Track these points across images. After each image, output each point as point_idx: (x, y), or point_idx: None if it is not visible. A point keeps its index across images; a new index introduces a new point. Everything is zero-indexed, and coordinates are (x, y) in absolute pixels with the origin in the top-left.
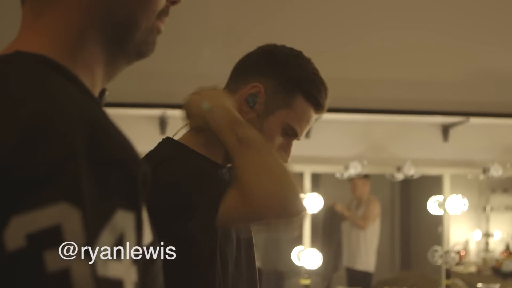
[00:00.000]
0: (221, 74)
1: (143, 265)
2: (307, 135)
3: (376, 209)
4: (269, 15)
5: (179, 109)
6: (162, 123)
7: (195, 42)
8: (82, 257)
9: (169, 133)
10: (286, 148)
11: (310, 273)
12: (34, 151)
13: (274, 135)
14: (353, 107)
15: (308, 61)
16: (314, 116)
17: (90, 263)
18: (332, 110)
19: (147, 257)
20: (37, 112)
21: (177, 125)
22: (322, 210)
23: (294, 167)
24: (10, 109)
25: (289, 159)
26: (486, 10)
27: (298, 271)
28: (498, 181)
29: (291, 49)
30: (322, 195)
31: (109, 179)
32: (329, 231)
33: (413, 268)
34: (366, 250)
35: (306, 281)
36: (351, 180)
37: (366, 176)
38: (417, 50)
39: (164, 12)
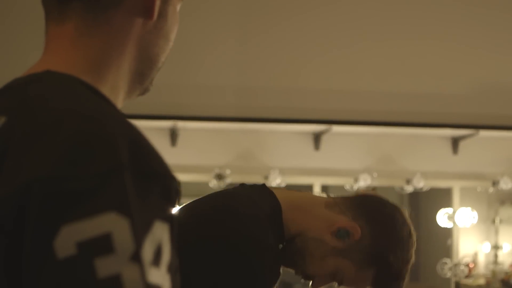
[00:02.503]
0: (231, 86)
1: (173, 273)
2: (317, 147)
3: None
4: (278, 31)
5: (190, 121)
6: (173, 134)
7: (205, 54)
8: (132, 263)
9: (180, 144)
10: (323, 282)
11: None
12: (83, 163)
13: (325, 270)
14: (363, 119)
15: (411, 253)
16: None
17: (139, 269)
18: (342, 122)
19: (175, 265)
20: (83, 127)
21: (187, 137)
22: None
23: (304, 179)
24: (56, 123)
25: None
26: (497, 23)
27: (306, 283)
28: (507, 193)
29: (410, 232)
30: None
31: (149, 191)
32: None
33: (421, 280)
34: None
35: None
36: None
37: (373, 189)
38: (427, 63)
39: None
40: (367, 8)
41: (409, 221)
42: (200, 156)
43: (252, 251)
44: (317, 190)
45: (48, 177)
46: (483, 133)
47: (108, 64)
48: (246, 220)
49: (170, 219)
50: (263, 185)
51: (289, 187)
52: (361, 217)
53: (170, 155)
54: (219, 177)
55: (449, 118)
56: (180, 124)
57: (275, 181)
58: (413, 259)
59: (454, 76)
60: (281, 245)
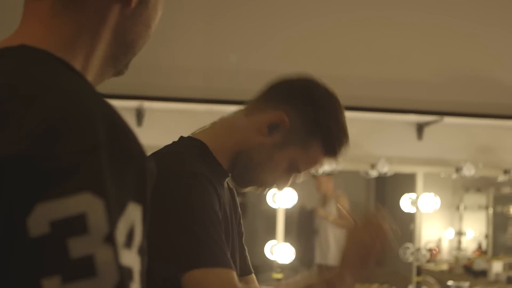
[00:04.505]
0: (199, 67)
1: (143, 256)
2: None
3: (346, 204)
4: (247, 11)
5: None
6: (139, 115)
7: (172, 34)
8: (105, 245)
9: (146, 125)
10: (285, 180)
11: (282, 268)
12: (59, 142)
13: (280, 167)
14: None
15: (341, 111)
16: (324, 161)
17: (112, 250)
18: None
19: (145, 247)
20: (62, 105)
21: (153, 117)
22: (296, 208)
23: None
24: (32, 100)
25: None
26: (462, 11)
27: (271, 265)
28: (472, 180)
29: (330, 94)
30: (296, 191)
31: (124, 172)
32: (303, 229)
33: (386, 264)
34: (337, 246)
35: (279, 275)
36: (315, 177)
37: (330, 173)
38: (393, 49)
39: None
40: None
41: (322, 84)
42: (166, 137)
43: (177, 183)
44: None
45: (23, 155)
46: (448, 119)
47: (80, 45)
48: (171, 173)
49: (143, 200)
50: (184, 137)
51: None
52: (280, 103)
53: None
54: None
55: (414, 104)
56: (147, 104)
57: None
58: (344, 118)
59: (419, 62)
60: (229, 175)
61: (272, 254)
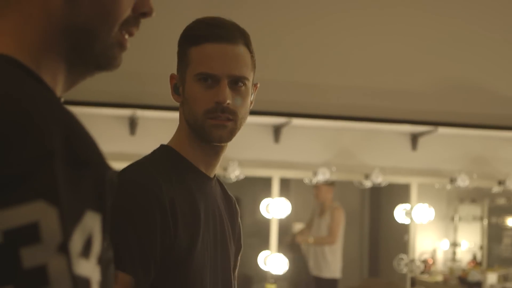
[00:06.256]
0: None
1: (104, 266)
2: (277, 139)
3: (341, 218)
4: (240, 21)
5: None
6: (132, 123)
7: (165, 42)
8: (59, 254)
9: (139, 133)
10: (218, 93)
11: (276, 278)
12: (12, 149)
13: (196, 93)
14: (323, 113)
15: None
16: (216, 47)
17: (66, 260)
18: (302, 115)
19: (107, 257)
20: (14, 111)
21: (147, 126)
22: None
23: (263, 172)
24: None
25: (229, 100)
26: (455, 22)
27: (264, 276)
28: (466, 191)
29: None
30: (290, 201)
31: (81, 180)
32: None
33: (381, 275)
34: (333, 258)
35: (272, 286)
36: (315, 185)
37: (331, 183)
38: (388, 59)
39: (131, 24)
40: (329, 1)
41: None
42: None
43: (118, 190)
44: (276, 183)
45: None
46: (442, 130)
47: (35, 44)
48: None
49: (102, 209)
50: (162, 145)
51: (248, 180)
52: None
53: (129, 144)
54: None
55: (409, 114)
56: (140, 112)
57: (234, 172)
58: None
59: (414, 72)
60: (211, 177)
61: (266, 264)
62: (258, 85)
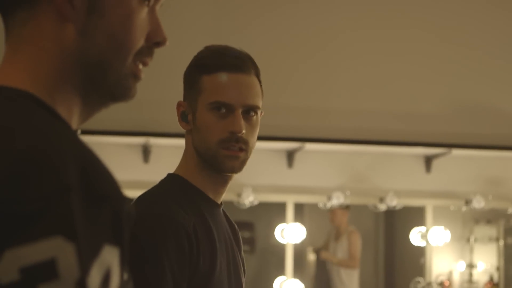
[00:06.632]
0: None
1: None
2: (290, 164)
3: (358, 241)
4: (252, 47)
5: (162, 137)
6: (145, 151)
7: (178, 71)
8: None
9: (152, 161)
10: (233, 123)
11: None
12: (28, 185)
13: (209, 121)
14: (336, 137)
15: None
16: (230, 76)
17: None
18: (315, 140)
19: None
20: (30, 146)
21: (160, 153)
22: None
23: (277, 197)
24: (1, 143)
25: (245, 130)
26: (470, 44)
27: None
28: (482, 212)
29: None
30: (305, 226)
31: (98, 214)
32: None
33: None
34: (349, 282)
35: None
36: (330, 209)
37: (346, 207)
38: (400, 82)
39: (144, 54)
40: (340, 25)
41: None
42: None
43: (140, 225)
44: (290, 208)
45: None
46: (456, 152)
47: (50, 78)
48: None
49: (120, 242)
50: (169, 174)
51: (262, 205)
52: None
53: (142, 172)
54: None
55: (422, 137)
56: (153, 140)
57: (248, 198)
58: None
59: (427, 95)
60: (219, 204)
61: None
62: (263, 114)
